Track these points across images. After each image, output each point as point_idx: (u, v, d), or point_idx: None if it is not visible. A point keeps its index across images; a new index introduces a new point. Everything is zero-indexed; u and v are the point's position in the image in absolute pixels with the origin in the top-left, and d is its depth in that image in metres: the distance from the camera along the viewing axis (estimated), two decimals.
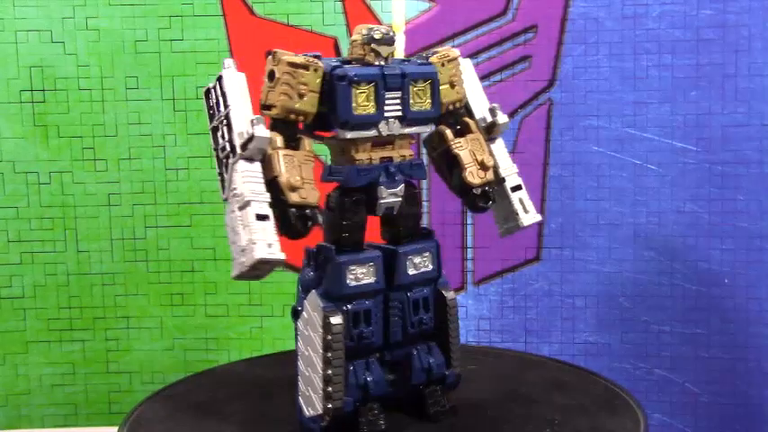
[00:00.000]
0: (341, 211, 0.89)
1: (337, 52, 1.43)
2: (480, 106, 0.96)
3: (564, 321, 1.44)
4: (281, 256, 0.84)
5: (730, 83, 1.37)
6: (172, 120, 1.46)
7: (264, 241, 0.83)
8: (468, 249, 1.45)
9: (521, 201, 0.98)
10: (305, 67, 0.86)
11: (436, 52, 0.93)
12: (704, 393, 1.41)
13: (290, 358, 0.94)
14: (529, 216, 0.98)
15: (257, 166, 0.84)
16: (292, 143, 0.87)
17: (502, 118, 0.95)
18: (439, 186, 1.46)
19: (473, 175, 0.92)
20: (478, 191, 0.93)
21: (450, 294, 0.93)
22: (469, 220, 1.45)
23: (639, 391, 1.40)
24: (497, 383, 1.05)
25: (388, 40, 0.89)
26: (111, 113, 1.46)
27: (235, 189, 0.83)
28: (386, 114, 0.89)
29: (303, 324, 0.89)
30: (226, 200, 0.85)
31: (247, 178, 0.84)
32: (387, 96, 0.89)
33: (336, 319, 0.86)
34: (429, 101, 0.90)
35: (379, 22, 1.41)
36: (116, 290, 1.48)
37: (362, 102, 0.88)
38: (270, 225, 0.83)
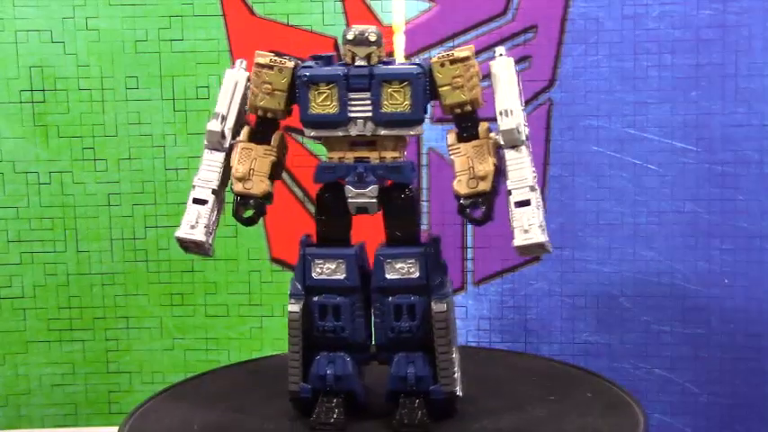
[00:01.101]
0: (317, 207, 0.94)
1: (337, 52, 1.43)
2: (499, 110, 0.91)
3: (564, 321, 1.44)
4: (197, 237, 0.93)
5: (730, 83, 1.37)
6: (172, 120, 1.46)
7: (188, 223, 0.93)
8: (468, 249, 1.45)
9: (523, 218, 0.88)
10: (269, 66, 0.93)
11: (447, 53, 0.91)
12: (704, 393, 1.41)
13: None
14: (526, 236, 0.88)
15: (219, 156, 0.95)
16: (265, 139, 0.94)
17: (504, 124, 0.90)
18: (439, 186, 1.46)
19: (461, 184, 0.90)
20: (466, 201, 0.89)
21: (437, 306, 0.90)
22: None
23: (639, 391, 1.40)
24: (496, 383, 1.05)
25: (361, 41, 0.90)
26: (111, 113, 1.46)
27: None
28: (351, 115, 0.90)
29: None
30: None
31: (204, 166, 0.95)
32: (351, 97, 0.90)
33: (293, 308, 0.91)
34: (408, 102, 0.90)
35: (379, 23, 1.41)
36: (116, 290, 1.48)
37: (322, 101, 0.90)
38: (204, 209, 0.93)
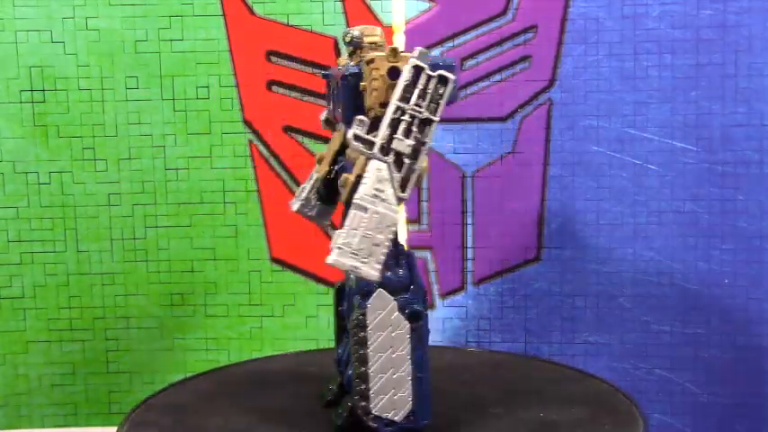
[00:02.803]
0: None
1: (337, 53, 1.43)
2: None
3: (564, 321, 1.44)
4: (292, 207, 1.03)
5: (730, 83, 1.37)
6: (172, 120, 1.46)
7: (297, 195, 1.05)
8: (468, 249, 1.45)
9: (336, 235, 0.82)
10: None
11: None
12: (704, 393, 1.41)
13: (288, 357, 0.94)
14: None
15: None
16: None
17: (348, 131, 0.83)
18: (439, 186, 1.46)
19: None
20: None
21: (355, 313, 0.87)
22: (469, 220, 1.45)
23: (639, 391, 1.40)
24: (495, 384, 1.05)
25: (346, 42, 0.90)
26: (111, 113, 1.46)
27: None
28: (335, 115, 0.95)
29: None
30: None
31: None
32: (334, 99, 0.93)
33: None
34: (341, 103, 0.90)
35: (379, 23, 1.41)
36: (116, 290, 1.48)
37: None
38: (307, 183, 1.05)
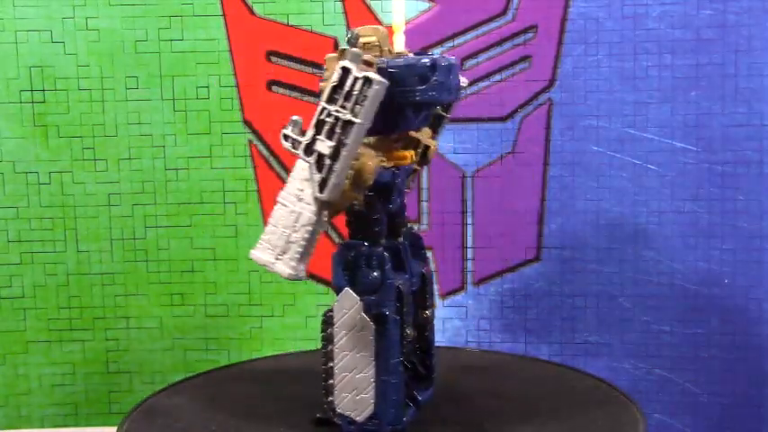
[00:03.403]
0: None
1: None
2: None
3: (564, 321, 1.44)
4: None
5: (730, 83, 1.37)
6: (172, 120, 1.46)
7: None
8: (468, 249, 1.45)
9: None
10: None
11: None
12: (704, 393, 1.41)
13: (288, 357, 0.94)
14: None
15: None
16: None
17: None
18: (439, 186, 1.46)
19: None
20: None
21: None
22: (469, 220, 1.45)
23: (639, 391, 1.40)
24: (495, 384, 1.05)
25: (347, 43, 0.90)
26: (111, 113, 1.46)
27: None
28: None
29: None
30: None
31: None
32: None
33: None
34: None
35: (379, 23, 1.41)
36: (116, 290, 1.48)
37: None
38: None
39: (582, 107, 1.41)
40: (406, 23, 1.42)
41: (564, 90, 1.41)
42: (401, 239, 0.93)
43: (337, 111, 0.80)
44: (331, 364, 0.88)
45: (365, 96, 0.79)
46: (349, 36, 0.86)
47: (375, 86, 0.79)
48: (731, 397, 1.40)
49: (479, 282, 1.46)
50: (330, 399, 0.88)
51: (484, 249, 1.45)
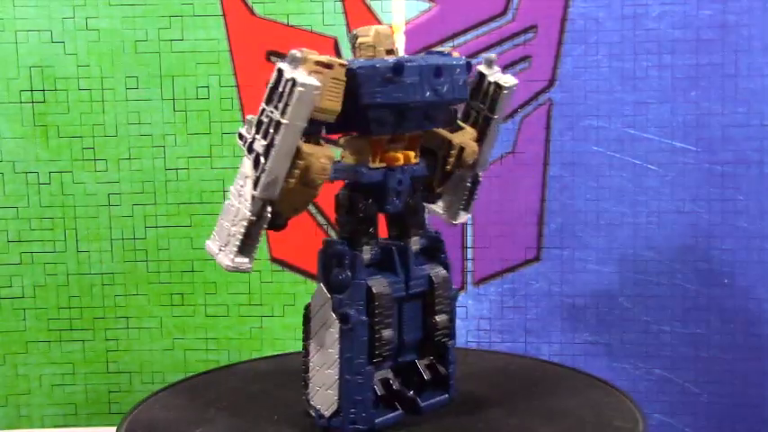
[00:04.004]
0: None
1: (337, 52, 1.43)
2: None
3: (564, 321, 1.44)
4: None
5: (730, 83, 1.37)
6: (172, 120, 1.46)
7: None
8: (468, 249, 1.45)
9: None
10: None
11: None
12: (704, 393, 1.41)
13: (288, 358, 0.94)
14: None
15: None
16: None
17: None
18: None
19: None
20: None
21: None
22: (469, 220, 1.45)
23: (639, 391, 1.40)
24: (495, 385, 1.05)
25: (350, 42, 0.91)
26: (111, 113, 1.46)
27: None
28: None
29: None
30: None
31: None
32: None
33: None
34: None
35: (379, 22, 1.41)
36: (116, 290, 1.48)
37: None
38: None
39: (582, 107, 1.41)
40: (406, 23, 1.42)
41: (564, 90, 1.41)
42: (411, 241, 0.93)
43: (271, 111, 0.82)
44: (306, 358, 0.90)
45: (291, 97, 0.80)
46: (350, 36, 0.87)
47: (299, 88, 0.80)
48: (731, 397, 1.40)
49: (479, 282, 1.46)
50: (307, 391, 0.90)
51: (484, 249, 1.45)
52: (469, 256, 1.45)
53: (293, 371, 0.98)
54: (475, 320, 1.45)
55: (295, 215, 0.87)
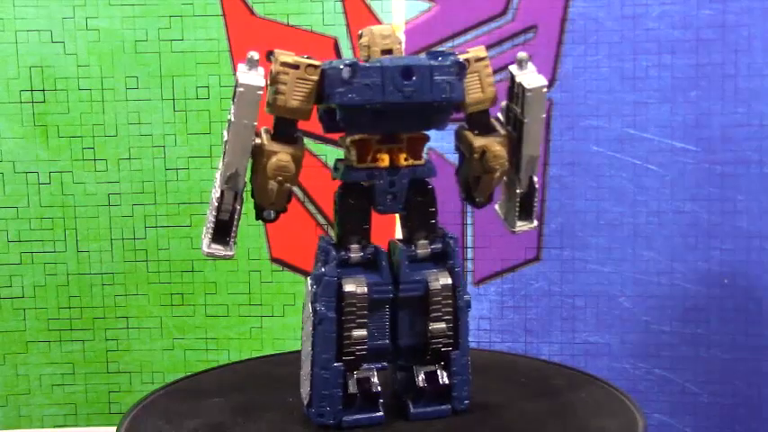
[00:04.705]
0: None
1: (337, 52, 1.43)
2: None
3: (564, 321, 1.44)
4: None
5: (730, 83, 1.37)
6: (172, 120, 1.46)
7: None
8: (468, 249, 1.45)
9: None
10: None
11: None
12: (704, 393, 1.41)
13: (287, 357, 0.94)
14: None
15: None
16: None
17: None
18: (438, 186, 1.46)
19: None
20: None
21: None
22: (469, 221, 1.45)
23: (639, 391, 1.40)
24: (495, 385, 1.05)
25: None
26: (111, 113, 1.46)
27: None
28: None
29: None
30: None
31: None
32: None
33: None
34: None
35: (379, 22, 1.41)
36: (116, 290, 1.48)
37: None
38: None
39: (582, 107, 1.41)
40: (406, 23, 1.42)
41: (564, 90, 1.41)
42: (419, 244, 0.92)
43: (230, 110, 0.87)
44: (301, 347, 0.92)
45: (235, 97, 0.86)
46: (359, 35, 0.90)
47: (239, 89, 0.85)
48: (731, 397, 1.40)
49: (479, 282, 1.46)
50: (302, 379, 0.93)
51: (484, 249, 1.45)
52: (469, 256, 1.45)
53: (293, 370, 0.98)
54: (475, 320, 1.45)
55: (275, 209, 0.90)
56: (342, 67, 0.85)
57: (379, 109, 0.86)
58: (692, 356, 1.41)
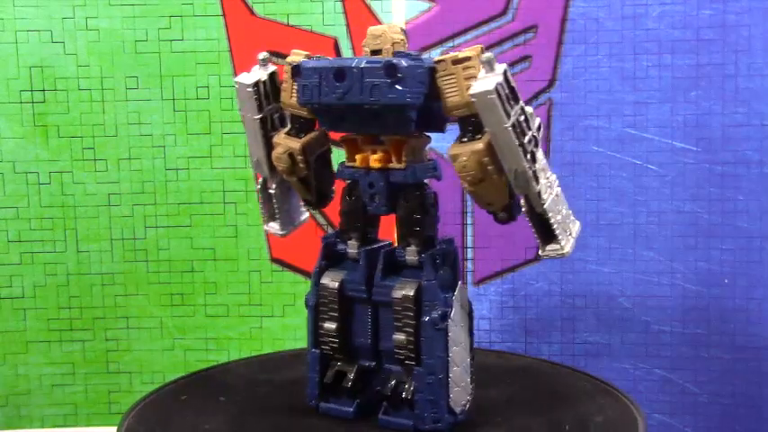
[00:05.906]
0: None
1: (337, 52, 1.43)
2: None
3: (564, 321, 1.44)
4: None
5: (730, 83, 1.37)
6: (172, 120, 1.46)
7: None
8: (468, 249, 1.45)
9: None
10: None
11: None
12: (704, 393, 1.41)
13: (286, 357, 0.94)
14: None
15: None
16: None
17: None
18: (438, 186, 1.46)
19: None
20: None
21: None
22: (469, 221, 1.45)
23: (639, 391, 1.40)
24: (495, 385, 1.05)
25: None
26: (111, 113, 1.46)
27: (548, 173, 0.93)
28: None
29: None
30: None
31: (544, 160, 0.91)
32: None
33: None
34: None
35: (379, 22, 1.41)
36: (116, 290, 1.48)
37: None
38: None
39: (582, 107, 1.41)
40: (406, 23, 1.42)
41: (564, 90, 1.41)
42: (407, 250, 0.90)
43: None
44: None
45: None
46: None
47: (236, 87, 0.96)
48: (731, 397, 1.40)
49: (479, 282, 1.46)
50: None
51: (484, 249, 1.45)
52: (469, 256, 1.45)
53: (293, 370, 0.98)
54: (475, 320, 1.45)
55: (304, 196, 0.99)
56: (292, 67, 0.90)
57: (332, 110, 0.87)
58: (692, 356, 1.41)
